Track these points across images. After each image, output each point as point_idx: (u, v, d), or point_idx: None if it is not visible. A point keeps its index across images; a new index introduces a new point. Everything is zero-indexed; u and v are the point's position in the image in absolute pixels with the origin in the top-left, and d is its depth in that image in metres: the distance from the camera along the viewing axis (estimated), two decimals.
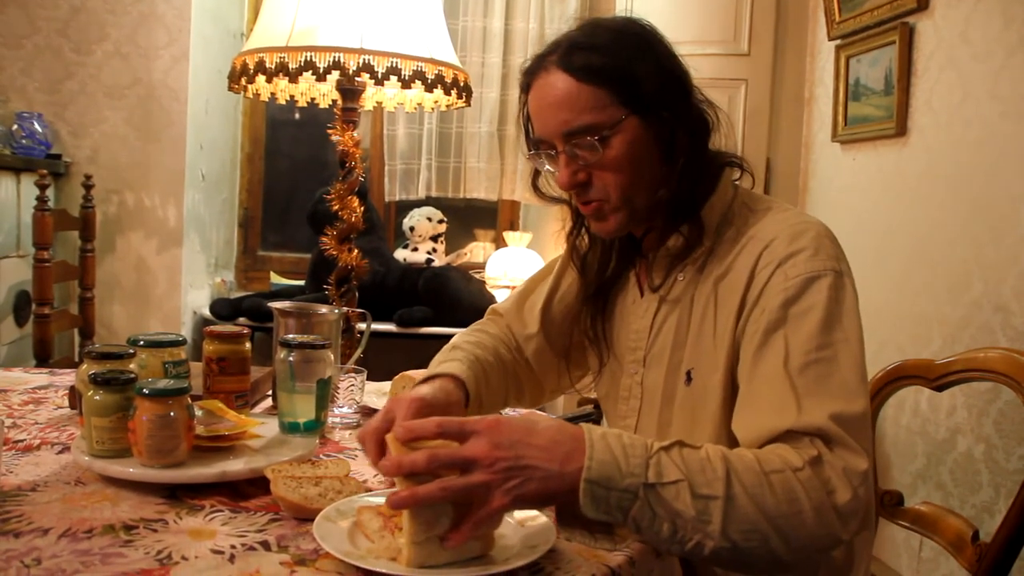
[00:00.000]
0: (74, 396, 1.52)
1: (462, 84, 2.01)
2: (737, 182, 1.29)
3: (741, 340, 1.15)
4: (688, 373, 1.23)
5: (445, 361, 1.33)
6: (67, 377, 1.82)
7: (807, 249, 1.14)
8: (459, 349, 1.38)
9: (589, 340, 1.40)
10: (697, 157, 1.22)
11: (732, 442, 1.12)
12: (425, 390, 1.22)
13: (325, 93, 2.19)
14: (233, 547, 0.97)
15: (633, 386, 1.33)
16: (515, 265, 3.97)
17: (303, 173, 4.36)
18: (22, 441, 1.34)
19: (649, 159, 1.21)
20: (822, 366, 1.07)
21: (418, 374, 1.66)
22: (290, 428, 1.37)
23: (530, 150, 1.28)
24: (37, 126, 3.35)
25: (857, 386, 1.07)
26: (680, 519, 0.94)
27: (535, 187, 1.36)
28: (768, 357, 1.10)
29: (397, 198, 4.03)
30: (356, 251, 2.05)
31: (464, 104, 2.08)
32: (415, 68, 1.89)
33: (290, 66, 1.83)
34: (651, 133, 1.19)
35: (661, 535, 0.96)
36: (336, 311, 1.66)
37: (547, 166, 1.27)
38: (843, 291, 1.12)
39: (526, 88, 1.26)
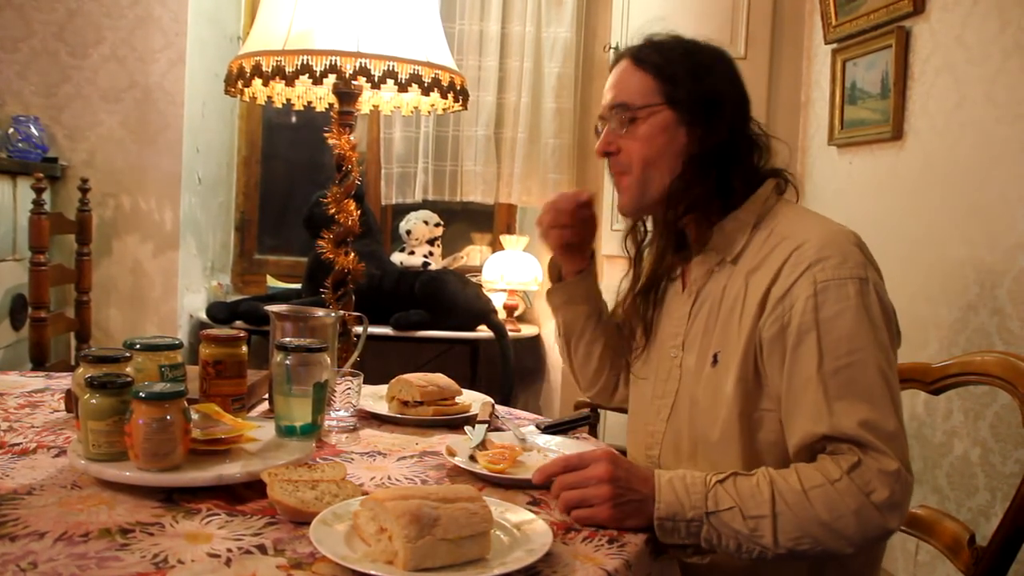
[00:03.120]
0: (70, 399, 1.51)
1: (459, 88, 2.01)
2: (783, 193, 1.42)
3: (762, 329, 1.27)
4: (715, 356, 1.35)
5: None
6: (63, 380, 1.82)
7: (834, 256, 1.24)
8: None
9: (638, 324, 1.54)
10: (713, 165, 1.36)
11: (743, 414, 1.28)
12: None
13: (322, 96, 2.19)
14: (229, 551, 0.97)
15: (673, 369, 1.44)
16: (512, 268, 3.97)
17: (299, 176, 4.36)
18: (18, 445, 1.34)
19: (669, 152, 1.37)
20: (852, 370, 1.19)
21: (415, 378, 1.67)
22: (287, 431, 1.37)
23: (599, 122, 1.49)
24: (33, 129, 3.35)
25: (882, 394, 1.19)
26: (740, 536, 1.15)
27: None
28: (804, 361, 1.22)
29: (394, 201, 4.03)
30: (352, 254, 2.04)
31: (461, 108, 2.08)
32: (412, 72, 1.89)
33: (286, 69, 1.83)
34: (679, 131, 1.37)
35: (730, 549, 1.16)
36: (332, 314, 1.66)
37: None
38: (868, 296, 1.23)
39: (611, 71, 1.47)
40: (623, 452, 1.28)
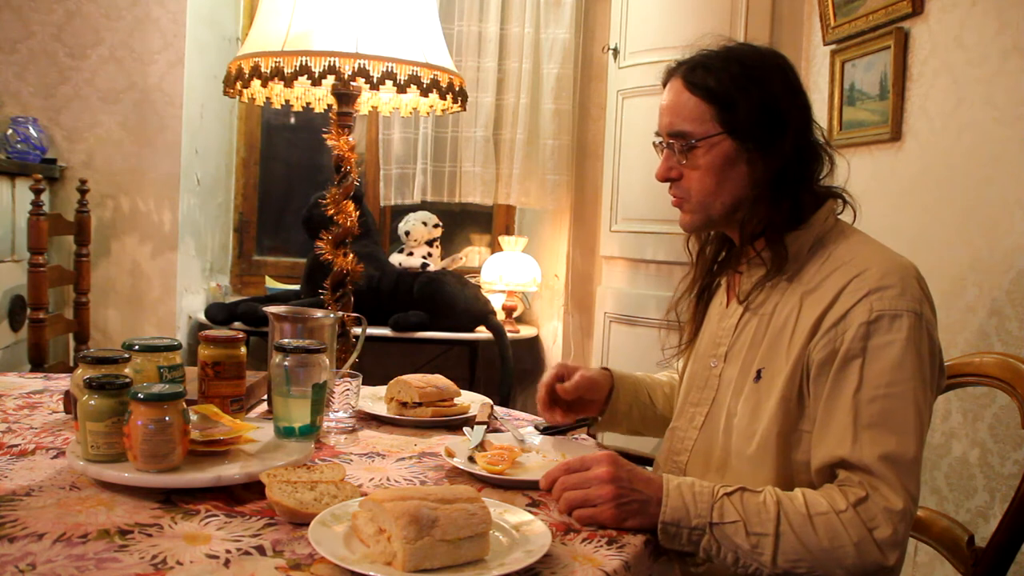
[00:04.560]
0: (69, 401, 1.51)
1: (457, 88, 2.01)
2: (840, 213, 1.41)
3: (812, 351, 1.26)
4: (759, 372, 1.33)
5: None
6: (62, 382, 1.82)
7: (895, 287, 1.23)
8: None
9: (688, 325, 1.54)
10: (783, 189, 1.33)
11: (781, 434, 1.27)
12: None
13: (320, 97, 2.19)
14: (228, 552, 0.97)
15: (711, 378, 1.43)
16: (510, 269, 3.98)
17: (298, 177, 4.36)
18: (17, 446, 1.34)
19: (732, 178, 1.35)
20: (889, 402, 1.19)
21: (414, 379, 1.67)
22: (285, 433, 1.37)
23: (655, 138, 1.45)
24: (32, 131, 3.35)
25: (914, 427, 1.19)
26: (740, 551, 1.15)
27: None
28: (844, 384, 1.22)
29: (392, 202, 4.03)
30: (351, 255, 2.04)
31: (459, 108, 2.08)
32: (410, 72, 1.89)
33: (285, 70, 1.83)
34: (742, 157, 1.33)
35: (727, 562, 1.16)
36: (331, 315, 1.66)
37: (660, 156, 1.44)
38: (920, 332, 1.22)
39: (663, 85, 1.43)
40: (624, 455, 1.28)
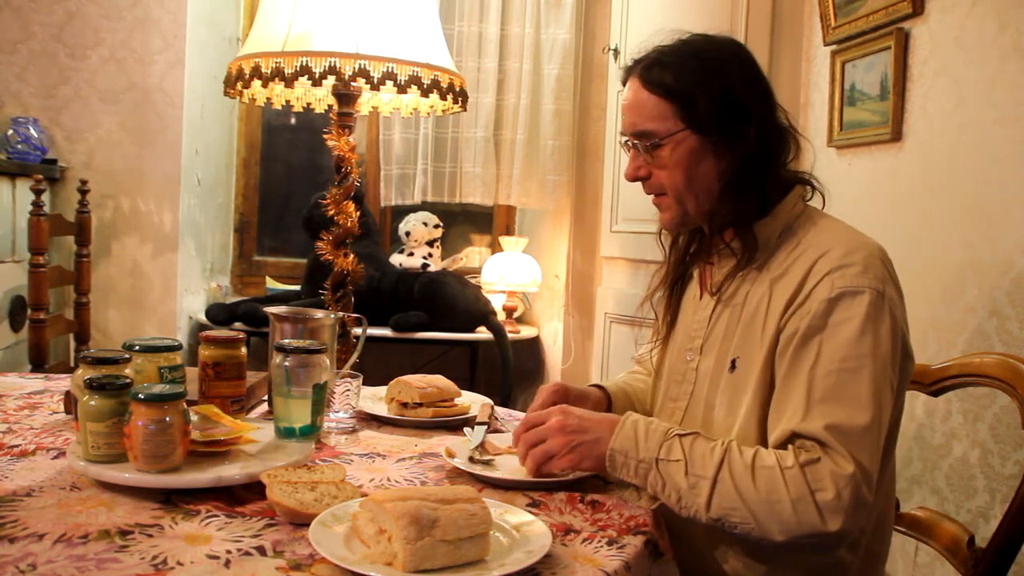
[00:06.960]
0: (69, 401, 1.51)
1: (458, 89, 2.01)
2: (809, 200, 1.41)
3: (780, 333, 1.27)
4: (733, 361, 1.33)
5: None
6: (62, 382, 1.82)
7: (857, 265, 1.24)
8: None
9: (659, 316, 1.56)
10: (751, 179, 1.34)
11: (761, 421, 1.27)
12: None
13: (321, 98, 2.19)
14: (229, 552, 0.97)
15: (688, 371, 1.43)
16: (511, 270, 3.98)
17: (299, 178, 4.36)
18: (17, 446, 1.34)
19: (701, 172, 1.36)
20: (842, 376, 1.19)
21: (414, 379, 1.67)
22: (286, 433, 1.37)
23: (621, 137, 1.46)
24: (32, 131, 3.35)
25: (868, 400, 1.18)
26: (681, 491, 1.18)
27: None
28: (803, 360, 1.22)
29: (393, 203, 4.03)
30: (352, 256, 2.04)
31: (460, 109, 2.08)
32: (411, 73, 1.89)
33: (286, 71, 1.83)
34: (708, 151, 1.34)
35: (671, 501, 1.20)
36: (332, 316, 1.66)
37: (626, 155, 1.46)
38: (880, 310, 1.22)
39: (623, 84, 1.44)
40: None
